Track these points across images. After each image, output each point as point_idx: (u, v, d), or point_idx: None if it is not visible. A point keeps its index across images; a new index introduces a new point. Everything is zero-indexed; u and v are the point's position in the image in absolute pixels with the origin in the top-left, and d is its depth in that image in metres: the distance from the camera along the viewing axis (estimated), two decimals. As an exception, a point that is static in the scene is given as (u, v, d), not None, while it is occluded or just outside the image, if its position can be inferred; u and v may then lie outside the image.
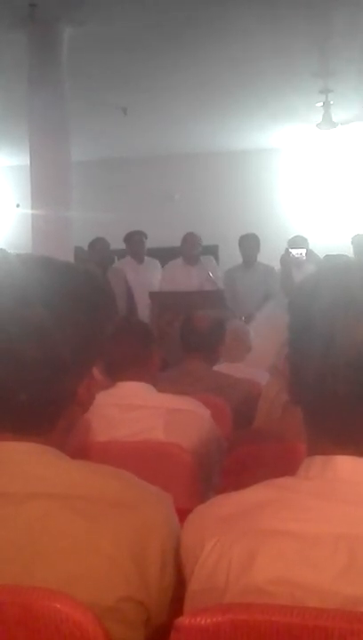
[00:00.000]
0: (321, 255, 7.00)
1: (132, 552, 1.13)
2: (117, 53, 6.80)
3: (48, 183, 6.58)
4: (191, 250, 7.20)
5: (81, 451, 2.09)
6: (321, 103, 8.05)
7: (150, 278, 7.44)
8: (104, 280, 6.71)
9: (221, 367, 3.82)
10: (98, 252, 7.21)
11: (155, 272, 7.61)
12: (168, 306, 6.48)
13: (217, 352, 3.61)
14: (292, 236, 7.75)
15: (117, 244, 7.70)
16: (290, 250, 7.11)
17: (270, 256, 7.31)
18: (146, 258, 7.82)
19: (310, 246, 7.59)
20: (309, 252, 7.29)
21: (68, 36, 6.42)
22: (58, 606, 1.05)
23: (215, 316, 3.79)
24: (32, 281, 1.20)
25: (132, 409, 2.46)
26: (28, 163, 6.75)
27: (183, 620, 1.04)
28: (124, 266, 7.70)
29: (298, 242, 7.46)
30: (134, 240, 7.75)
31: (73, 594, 1.07)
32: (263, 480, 1.16)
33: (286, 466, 1.22)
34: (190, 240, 7.27)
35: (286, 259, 7.03)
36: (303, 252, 7.12)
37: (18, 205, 9.99)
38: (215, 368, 3.66)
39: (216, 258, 8.52)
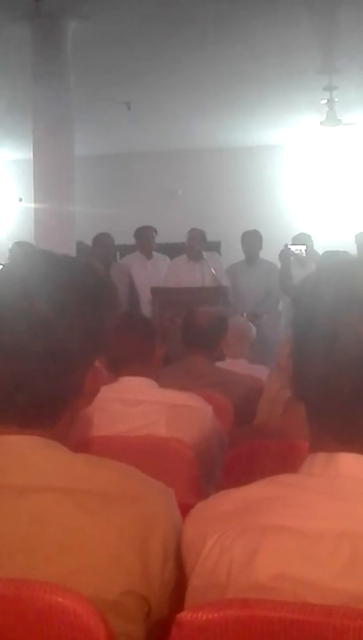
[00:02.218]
0: (323, 253, 6.99)
1: (134, 545, 1.13)
2: (122, 48, 6.79)
3: (51, 177, 6.58)
4: (192, 245, 7.19)
5: (83, 445, 2.10)
6: (325, 100, 8.04)
7: (159, 274, 7.42)
8: (106, 274, 6.72)
9: (224, 363, 3.83)
10: (101, 247, 7.21)
11: (164, 268, 7.59)
12: (170, 302, 6.48)
13: (219, 348, 3.61)
14: (294, 232, 7.75)
15: (120, 239, 7.70)
16: (289, 246, 7.11)
17: (272, 253, 7.30)
18: (155, 253, 7.82)
19: (314, 243, 7.58)
20: (311, 251, 7.28)
21: (72, 30, 6.42)
22: (60, 600, 1.05)
23: (217, 312, 3.79)
24: (35, 275, 1.21)
25: (134, 404, 2.47)
26: (31, 157, 6.75)
27: (184, 616, 1.04)
28: (132, 261, 7.69)
29: (302, 239, 7.45)
30: (144, 235, 7.74)
31: (76, 587, 1.07)
32: (265, 476, 1.16)
33: (287, 462, 1.23)
34: (192, 236, 7.26)
35: (285, 254, 7.03)
36: (303, 248, 7.12)
37: (20, 199, 9.99)
38: (218, 364, 3.66)
39: (219, 254, 8.51)
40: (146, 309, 6.82)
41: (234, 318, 4.90)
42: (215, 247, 8.82)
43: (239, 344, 4.21)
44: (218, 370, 3.58)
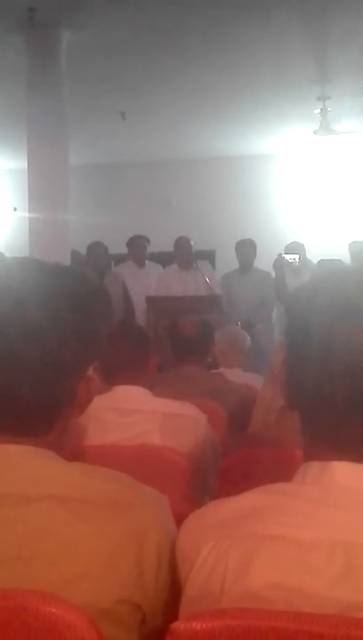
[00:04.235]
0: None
1: (128, 553, 1.13)
2: (116, 58, 6.81)
3: (45, 187, 6.59)
4: (184, 254, 7.19)
5: (77, 454, 2.09)
6: (319, 110, 8.08)
7: (151, 283, 7.42)
8: (100, 283, 6.72)
9: (219, 372, 3.83)
10: (95, 256, 7.21)
11: (156, 277, 7.59)
12: (165, 310, 6.48)
13: (210, 355, 3.61)
14: (288, 241, 7.77)
15: (115, 248, 7.70)
16: (283, 255, 7.13)
17: (266, 262, 7.32)
18: (148, 262, 7.82)
19: (307, 252, 7.61)
20: (304, 259, 7.30)
21: (66, 40, 6.43)
22: (53, 610, 1.04)
23: (201, 319, 3.79)
24: (28, 283, 1.21)
25: (128, 413, 2.46)
26: (26, 166, 6.75)
27: (178, 625, 1.03)
28: (124, 270, 7.69)
29: (295, 248, 7.48)
30: (136, 244, 7.75)
31: (70, 596, 1.07)
32: (259, 485, 1.16)
33: (281, 471, 1.23)
34: (182, 243, 7.26)
35: (279, 263, 7.06)
36: (297, 257, 7.14)
37: (15, 209, 9.99)
38: (212, 372, 3.66)
39: (213, 263, 8.52)
40: (140, 318, 6.81)
41: (229, 327, 4.90)
42: (210, 256, 8.84)
43: (234, 353, 4.21)
44: (212, 377, 3.58)
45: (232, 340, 4.24)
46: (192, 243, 7.27)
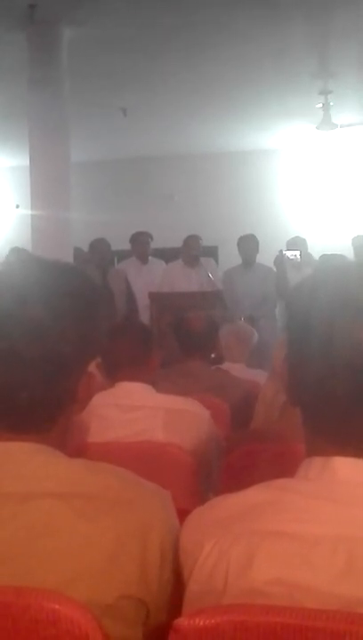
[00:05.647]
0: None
1: (131, 549, 1.14)
2: (117, 54, 6.81)
3: (48, 184, 6.59)
4: (193, 252, 7.20)
5: (80, 451, 2.09)
6: (321, 104, 8.07)
7: (155, 279, 7.42)
8: (102, 280, 6.73)
9: (223, 367, 3.83)
10: (98, 252, 7.21)
11: (159, 272, 7.59)
12: (168, 306, 6.48)
13: (214, 349, 3.62)
14: (291, 236, 7.77)
15: (117, 244, 7.71)
16: (284, 252, 7.12)
17: (269, 257, 7.31)
18: (151, 258, 7.82)
19: (310, 247, 7.59)
20: (306, 255, 7.29)
21: (67, 36, 6.43)
22: (57, 607, 1.04)
23: (207, 315, 3.80)
24: (30, 281, 1.21)
25: (131, 409, 2.46)
26: (28, 163, 6.76)
27: (182, 621, 1.04)
28: (127, 266, 7.70)
29: (297, 243, 7.47)
30: (139, 241, 7.76)
31: (73, 593, 1.07)
32: (262, 481, 1.16)
33: (284, 467, 1.23)
34: (192, 243, 7.26)
35: (280, 260, 7.05)
36: (297, 253, 7.13)
37: (17, 206, 9.99)
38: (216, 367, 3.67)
39: (216, 259, 8.52)
40: (143, 314, 6.82)
41: (236, 323, 4.91)
42: (212, 252, 8.83)
43: (239, 348, 4.21)
44: (217, 373, 3.59)
45: (238, 335, 4.24)
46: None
